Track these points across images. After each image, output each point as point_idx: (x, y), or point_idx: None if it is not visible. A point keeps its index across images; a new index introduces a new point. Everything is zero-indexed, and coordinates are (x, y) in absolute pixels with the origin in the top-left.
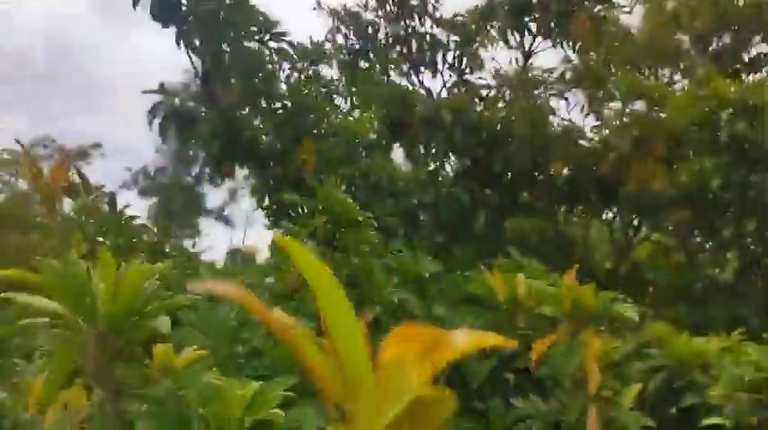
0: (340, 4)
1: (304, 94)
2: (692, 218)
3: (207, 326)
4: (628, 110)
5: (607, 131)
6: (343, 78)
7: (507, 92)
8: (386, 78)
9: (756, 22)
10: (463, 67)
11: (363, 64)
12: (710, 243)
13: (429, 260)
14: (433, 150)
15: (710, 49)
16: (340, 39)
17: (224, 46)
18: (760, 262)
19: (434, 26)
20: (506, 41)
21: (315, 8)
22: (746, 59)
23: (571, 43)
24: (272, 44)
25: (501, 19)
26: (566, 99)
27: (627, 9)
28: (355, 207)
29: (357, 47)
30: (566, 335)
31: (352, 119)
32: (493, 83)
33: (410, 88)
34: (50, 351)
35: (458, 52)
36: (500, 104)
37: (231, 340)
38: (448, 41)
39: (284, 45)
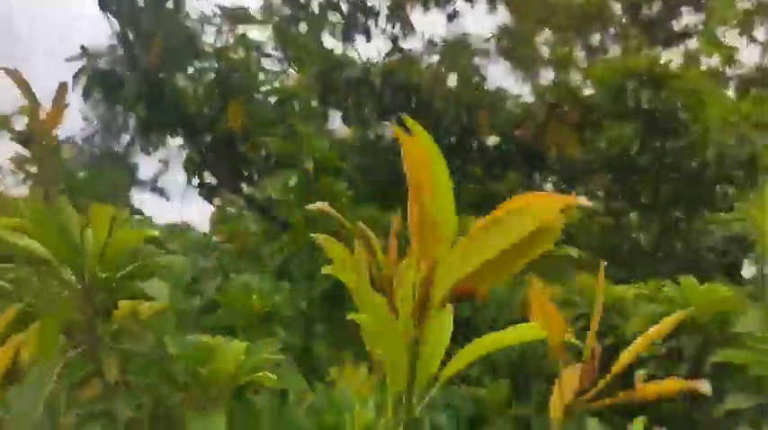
0: None
1: (232, 56)
2: (614, 182)
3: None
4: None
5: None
6: (275, 42)
7: (438, 57)
8: (319, 44)
9: None
10: (395, 33)
11: (295, 29)
12: (632, 207)
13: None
14: (367, 114)
15: (640, 17)
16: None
17: (140, 3)
18: (678, 225)
19: None
20: (427, 4)
21: None
22: (675, 29)
23: (504, 5)
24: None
25: None
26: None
27: None
28: (335, 154)
29: (289, 12)
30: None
31: (283, 82)
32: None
33: (342, 53)
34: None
35: (389, 18)
36: (426, 67)
37: (187, 293)
38: (379, 7)
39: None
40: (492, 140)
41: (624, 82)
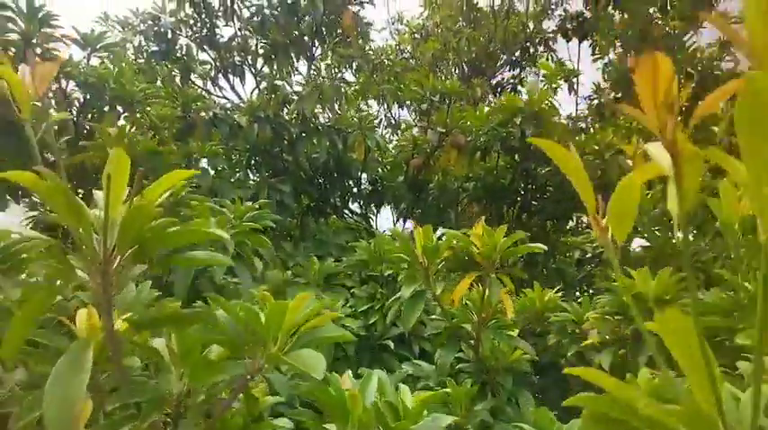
0: (133, 9)
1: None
2: (485, 207)
3: None
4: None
5: (414, 131)
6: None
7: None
8: (186, 83)
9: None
10: (273, 72)
11: (161, 68)
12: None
13: None
14: (235, 154)
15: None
16: (136, 42)
17: None
18: (546, 242)
19: (242, 29)
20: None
21: (99, 20)
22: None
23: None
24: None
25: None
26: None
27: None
28: None
29: (155, 49)
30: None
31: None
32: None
33: (204, 92)
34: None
35: (264, 58)
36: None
37: None
38: (256, 46)
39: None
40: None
41: (511, 118)
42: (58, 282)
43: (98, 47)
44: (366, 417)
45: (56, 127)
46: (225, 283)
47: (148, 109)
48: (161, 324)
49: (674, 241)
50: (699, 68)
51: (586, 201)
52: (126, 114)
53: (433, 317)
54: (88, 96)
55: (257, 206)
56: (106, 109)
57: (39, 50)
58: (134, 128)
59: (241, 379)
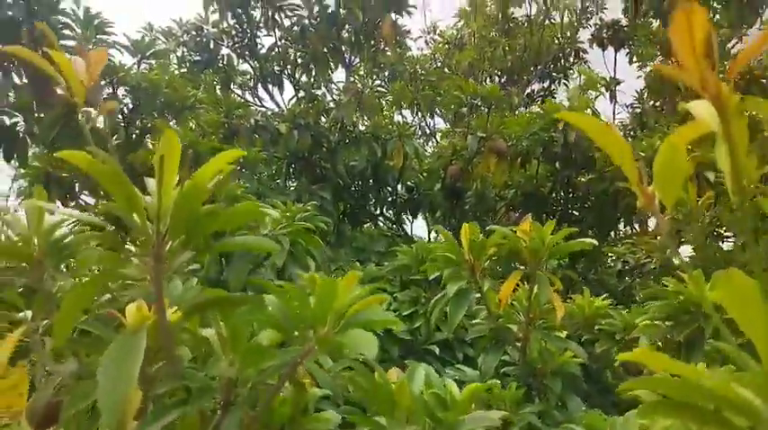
0: (177, 20)
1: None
2: (524, 216)
3: None
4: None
5: (454, 137)
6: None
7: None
8: (228, 91)
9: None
10: (312, 81)
11: (203, 77)
12: None
13: None
14: (275, 161)
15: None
16: (180, 52)
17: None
18: (584, 251)
19: (282, 39)
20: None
21: (144, 31)
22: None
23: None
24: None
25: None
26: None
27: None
28: None
29: (198, 59)
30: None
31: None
32: (337, 97)
33: (247, 100)
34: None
35: (303, 67)
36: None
37: None
38: (295, 56)
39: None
40: (410, 180)
41: (553, 123)
42: (110, 270)
43: (148, 54)
44: (414, 407)
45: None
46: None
47: (197, 114)
48: (209, 307)
49: (722, 249)
50: (747, 77)
51: (628, 171)
52: (174, 120)
53: (475, 321)
54: (139, 102)
55: (308, 207)
56: (155, 114)
57: None
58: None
59: (290, 364)
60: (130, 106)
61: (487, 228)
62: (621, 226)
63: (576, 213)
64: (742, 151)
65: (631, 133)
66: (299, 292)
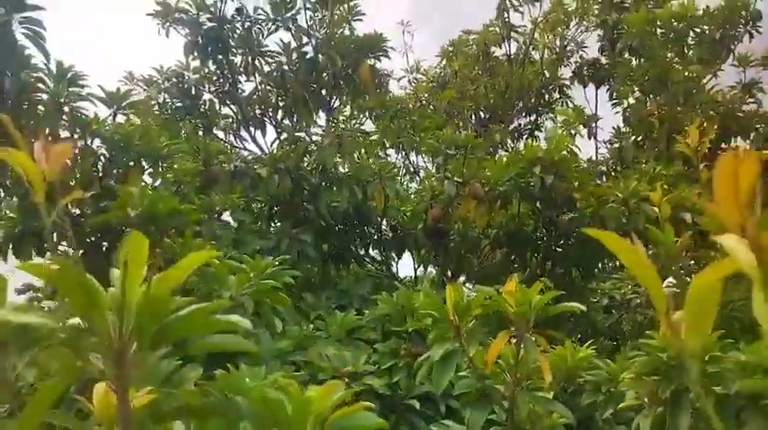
0: (158, 68)
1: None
2: (508, 255)
3: None
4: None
5: (433, 180)
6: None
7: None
8: (209, 136)
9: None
10: (294, 124)
11: (185, 122)
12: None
13: None
14: (256, 204)
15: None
16: (161, 98)
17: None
18: (571, 288)
19: (263, 83)
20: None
21: (125, 80)
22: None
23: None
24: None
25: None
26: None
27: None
28: None
29: (179, 105)
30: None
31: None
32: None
33: (227, 145)
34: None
35: (285, 110)
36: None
37: None
38: (277, 100)
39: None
40: (389, 224)
41: (530, 167)
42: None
43: (123, 104)
44: None
45: (80, 194)
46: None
47: (172, 163)
48: (181, 416)
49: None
50: (720, 110)
51: (655, 299)
52: (150, 170)
53: (461, 374)
54: (114, 152)
55: (276, 263)
56: (132, 164)
57: (66, 109)
58: (159, 183)
59: None
60: (107, 157)
61: (470, 288)
62: (605, 261)
63: (560, 250)
64: None
65: (613, 168)
66: (274, 401)
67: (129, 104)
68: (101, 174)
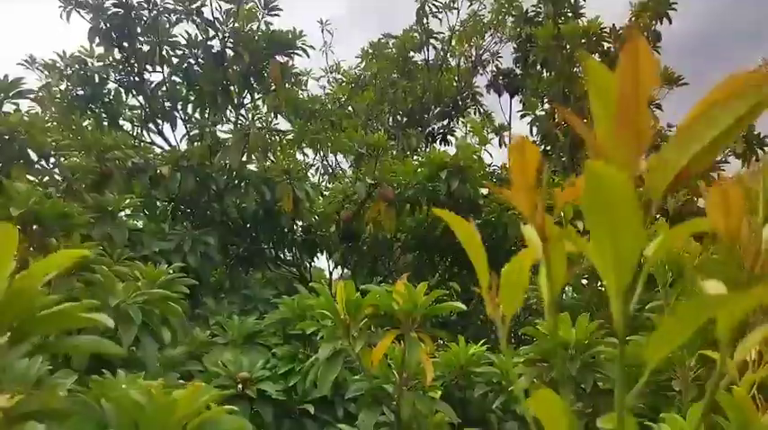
0: (60, 53)
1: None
2: (418, 258)
3: None
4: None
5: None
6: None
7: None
8: (113, 128)
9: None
10: (204, 119)
11: (87, 113)
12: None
13: None
14: (160, 203)
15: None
16: (63, 86)
17: None
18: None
19: (171, 75)
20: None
21: (25, 64)
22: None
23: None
24: None
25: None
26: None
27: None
28: None
29: (81, 93)
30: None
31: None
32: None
33: (134, 138)
34: None
35: (195, 104)
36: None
37: None
38: (186, 93)
39: None
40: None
41: (438, 172)
42: None
43: (11, 94)
44: None
45: None
46: (130, 352)
47: (63, 159)
48: (38, 417)
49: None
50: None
51: (480, 277)
52: (38, 166)
53: (356, 377)
54: None
55: (171, 271)
56: (16, 160)
57: None
58: (47, 179)
59: None
60: None
61: (361, 287)
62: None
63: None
64: (560, 279)
65: None
66: (134, 404)
67: (18, 93)
68: None
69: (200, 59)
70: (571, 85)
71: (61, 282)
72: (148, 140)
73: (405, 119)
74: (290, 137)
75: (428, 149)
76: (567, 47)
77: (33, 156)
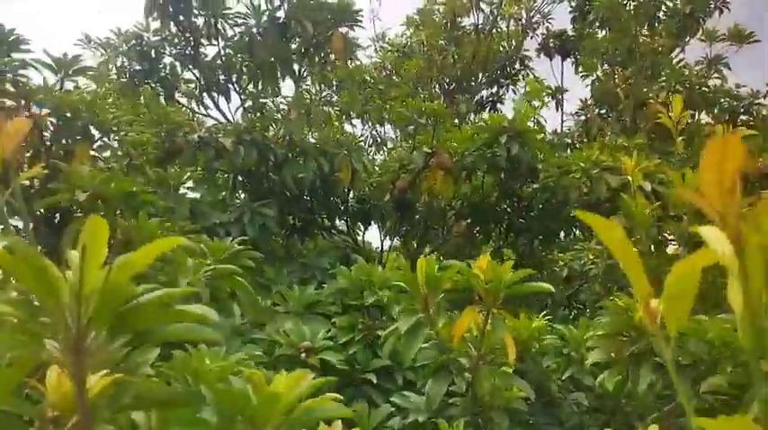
0: (115, 29)
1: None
2: (472, 226)
3: None
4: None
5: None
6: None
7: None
8: (170, 102)
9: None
10: (259, 91)
11: (145, 87)
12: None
13: None
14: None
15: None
16: (119, 62)
17: None
18: (531, 258)
19: (226, 48)
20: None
21: (81, 42)
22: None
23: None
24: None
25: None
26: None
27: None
28: None
29: (138, 68)
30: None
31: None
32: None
33: (189, 111)
34: None
35: (250, 76)
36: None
37: None
38: (241, 66)
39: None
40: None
41: (496, 137)
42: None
43: (71, 71)
44: None
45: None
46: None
47: (124, 135)
48: (142, 406)
49: (668, 254)
50: (687, 85)
51: (635, 284)
52: (100, 143)
53: (423, 346)
54: (60, 124)
55: (236, 244)
56: (79, 137)
57: (9, 76)
58: (110, 156)
59: None
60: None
61: (443, 263)
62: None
63: (522, 221)
64: (758, 292)
65: (579, 140)
66: (240, 394)
67: (77, 70)
68: (47, 147)
69: (260, 30)
70: (635, 44)
71: None
72: (203, 113)
73: (453, 85)
74: (338, 108)
75: (476, 118)
76: (634, 4)
77: (95, 133)
